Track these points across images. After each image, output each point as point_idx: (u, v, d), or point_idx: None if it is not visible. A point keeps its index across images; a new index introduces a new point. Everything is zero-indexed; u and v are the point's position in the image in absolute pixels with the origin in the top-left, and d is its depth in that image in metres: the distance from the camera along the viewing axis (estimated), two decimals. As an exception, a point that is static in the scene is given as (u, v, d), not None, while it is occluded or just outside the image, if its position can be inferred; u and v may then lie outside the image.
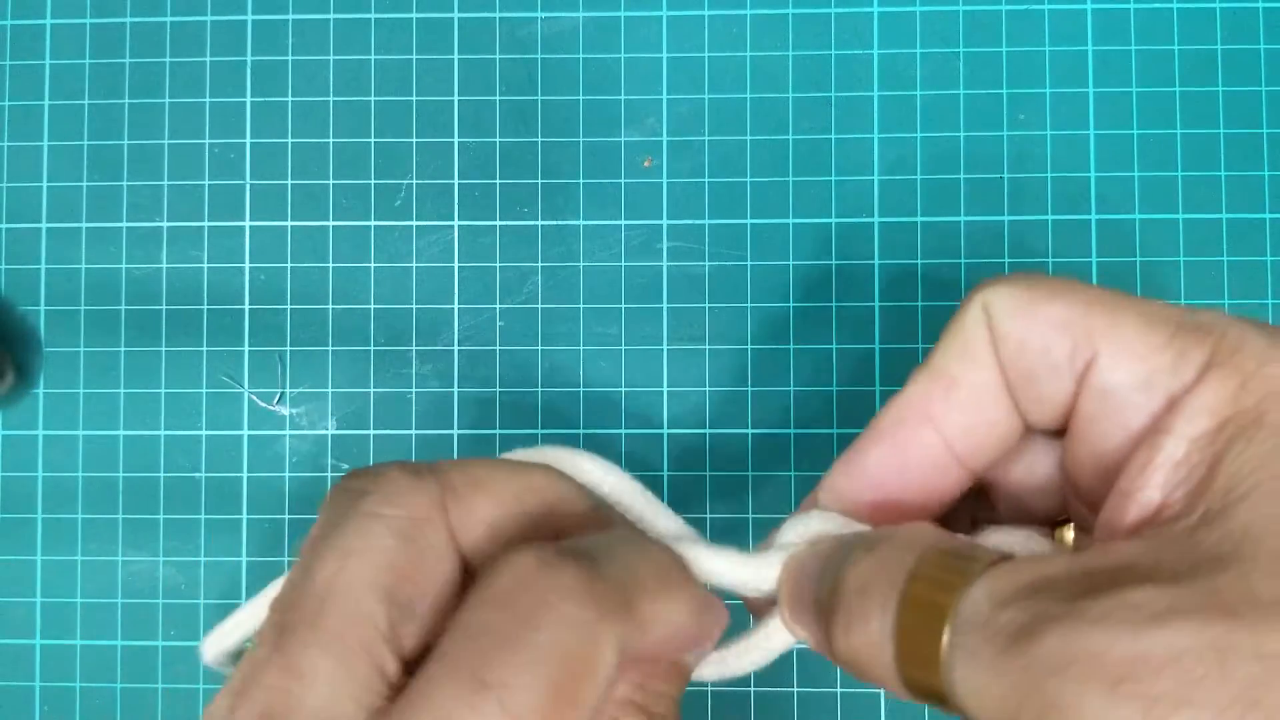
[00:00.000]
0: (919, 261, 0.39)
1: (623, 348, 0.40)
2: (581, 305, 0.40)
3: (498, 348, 0.40)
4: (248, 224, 0.40)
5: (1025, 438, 0.25)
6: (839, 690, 0.38)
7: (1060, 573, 0.20)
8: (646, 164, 0.40)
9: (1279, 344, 0.21)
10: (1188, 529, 0.20)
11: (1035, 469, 0.26)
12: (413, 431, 0.40)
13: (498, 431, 0.40)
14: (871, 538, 0.23)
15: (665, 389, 0.40)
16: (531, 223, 0.40)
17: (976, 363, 0.24)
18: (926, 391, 0.24)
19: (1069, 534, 0.26)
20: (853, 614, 0.22)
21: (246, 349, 0.40)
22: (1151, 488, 0.21)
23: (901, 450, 0.25)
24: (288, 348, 0.40)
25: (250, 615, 0.24)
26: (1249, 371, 0.20)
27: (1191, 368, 0.21)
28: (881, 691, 0.38)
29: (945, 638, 0.20)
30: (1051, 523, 0.26)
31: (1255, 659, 0.18)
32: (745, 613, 0.27)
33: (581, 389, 0.40)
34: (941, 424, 0.24)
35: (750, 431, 0.39)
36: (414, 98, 0.40)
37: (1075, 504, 0.25)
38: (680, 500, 0.39)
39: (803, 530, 0.25)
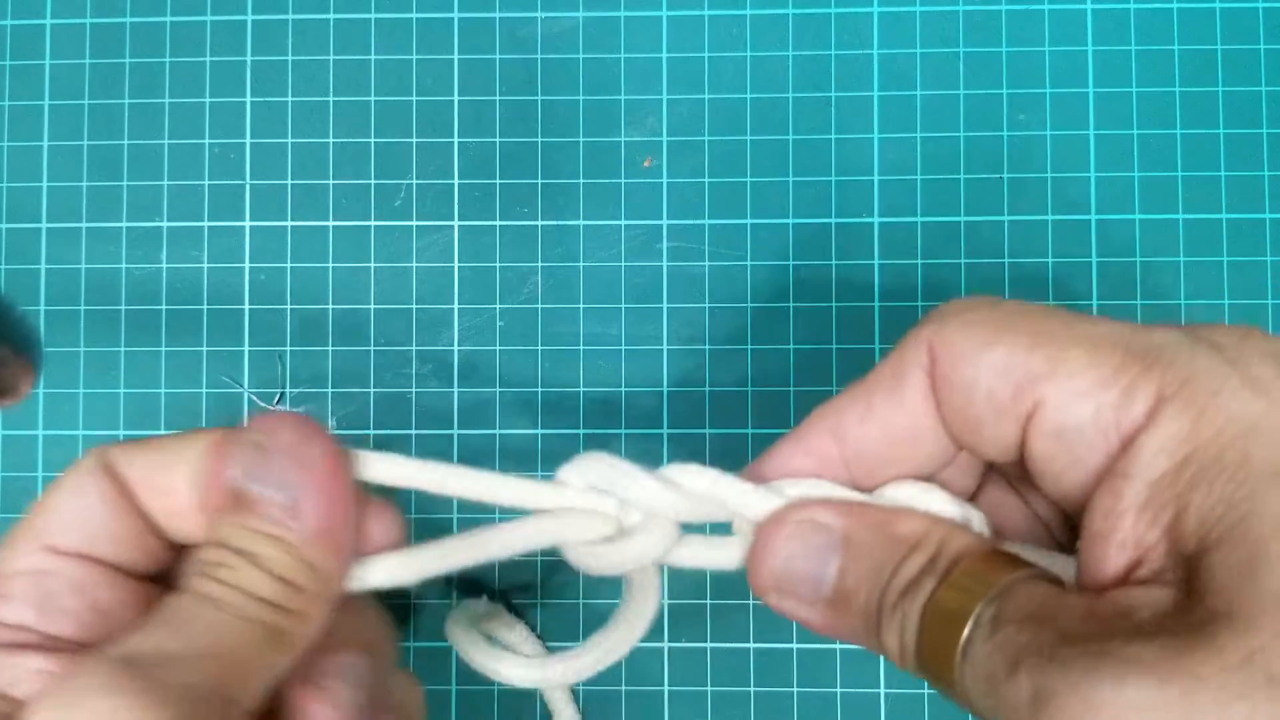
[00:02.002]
0: (919, 261, 0.39)
1: (623, 348, 0.40)
2: (581, 305, 0.40)
3: (498, 348, 0.40)
4: (248, 224, 0.40)
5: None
6: (839, 690, 0.38)
7: (1065, 608, 0.20)
8: (646, 164, 0.40)
9: (1229, 365, 0.20)
10: (1167, 581, 0.20)
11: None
12: (413, 431, 0.40)
13: (498, 431, 0.40)
14: (911, 534, 0.23)
15: (665, 389, 0.40)
16: (531, 223, 0.40)
17: (900, 402, 0.24)
18: (846, 407, 0.25)
19: None
20: (907, 614, 0.22)
21: (246, 349, 0.40)
22: (1122, 531, 0.20)
23: (805, 454, 0.25)
24: (288, 348, 0.40)
25: None
26: (1201, 404, 0.20)
27: (1142, 402, 0.20)
28: (881, 691, 0.38)
29: (959, 649, 0.21)
30: None
31: None
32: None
33: (581, 389, 0.40)
34: (844, 442, 0.25)
35: (750, 431, 0.39)
36: (414, 98, 0.40)
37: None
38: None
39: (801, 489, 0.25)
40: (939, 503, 0.24)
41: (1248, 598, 0.18)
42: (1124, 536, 0.20)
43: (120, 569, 0.25)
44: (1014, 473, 0.26)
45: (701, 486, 0.25)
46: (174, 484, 0.24)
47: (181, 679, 0.20)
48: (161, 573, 0.26)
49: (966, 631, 0.21)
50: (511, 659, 0.28)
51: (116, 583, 0.24)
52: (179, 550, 0.26)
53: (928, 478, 0.25)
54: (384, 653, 0.26)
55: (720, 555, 0.26)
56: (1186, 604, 0.19)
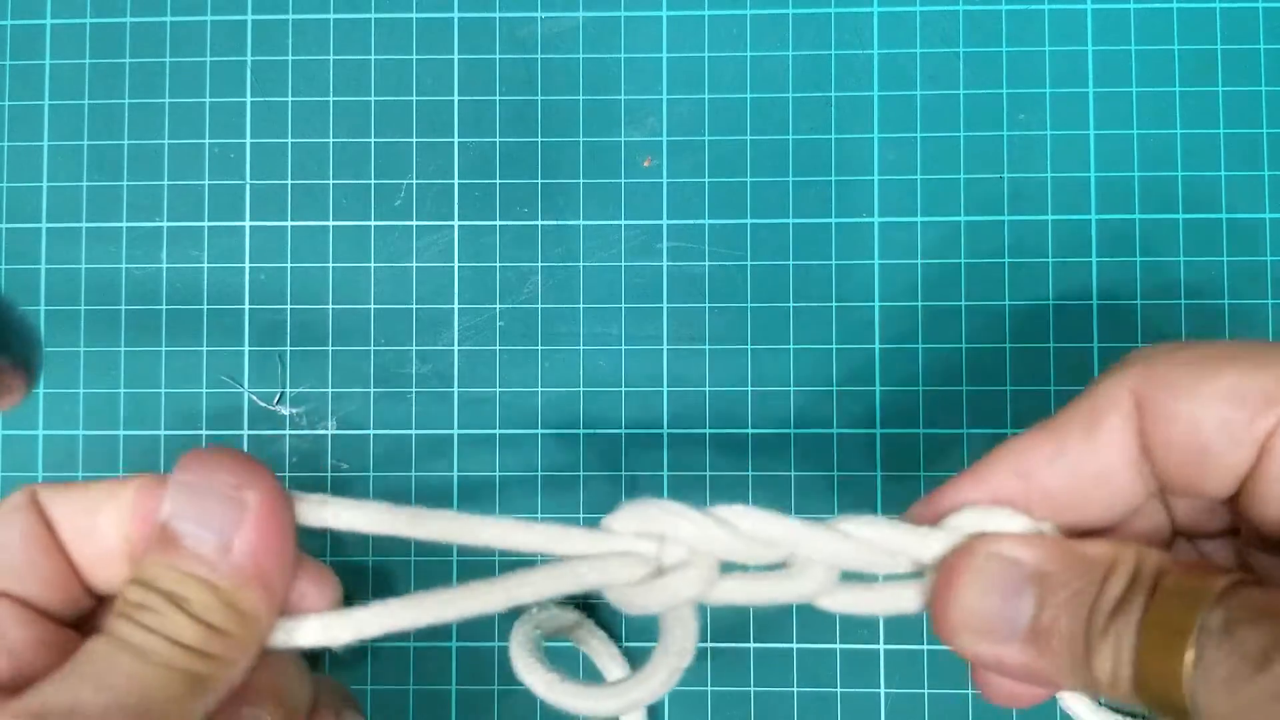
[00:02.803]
0: (919, 261, 0.39)
1: (623, 348, 0.40)
2: (581, 305, 0.40)
3: (498, 348, 0.40)
4: (248, 224, 0.40)
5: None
6: (839, 691, 0.38)
7: None
8: (646, 164, 0.40)
9: None
10: None
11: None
12: (413, 431, 0.40)
13: (498, 431, 0.40)
14: (1093, 557, 0.23)
15: (665, 389, 0.40)
16: (531, 223, 0.40)
17: (1095, 443, 0.24)
18: (1033, 447, 0.24)
19: None
20: (1122, 637, 0.22)
21: (246, 349, 0.40)
22: None
23: (986, 493, 0.25)
24: (288, 348, 0.40)
25: None
26: None
27: None
28: (881, 691, 0.38)
29: (1189, 655, 0.20)
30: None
31: None
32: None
33: (581, 389, 0.40)
34: (1030, 481, 0.24)
35: (750, 431, 0.39)
36: (414, 98, 0.40)
37: (1252, 549, 0.25)
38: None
39: (981, 521, 0.24)
40: (1005, 519, 0.24)
41: None
42: None
43: (38, 610, 0.24)
44: (1204, 517, 0.26)
45: (871, 535, 0.24)
46: (101, 528, 0.24)
47: None
48: (80, 619, 0.25)
49: (1193, 639, 0.20)
50: (555, 683, 0.27)
51: (33, 622, 0.23)
52: (100, 600, 0.25)
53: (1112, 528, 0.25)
54: (299, 703, 0.25)
55: (897, 600, 0.25)
56: None
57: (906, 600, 0.25)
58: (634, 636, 0.39)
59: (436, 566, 0.39)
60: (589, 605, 0.39)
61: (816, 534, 0.24)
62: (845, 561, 0.24)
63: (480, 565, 0.36)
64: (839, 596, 0.25)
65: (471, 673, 0.39)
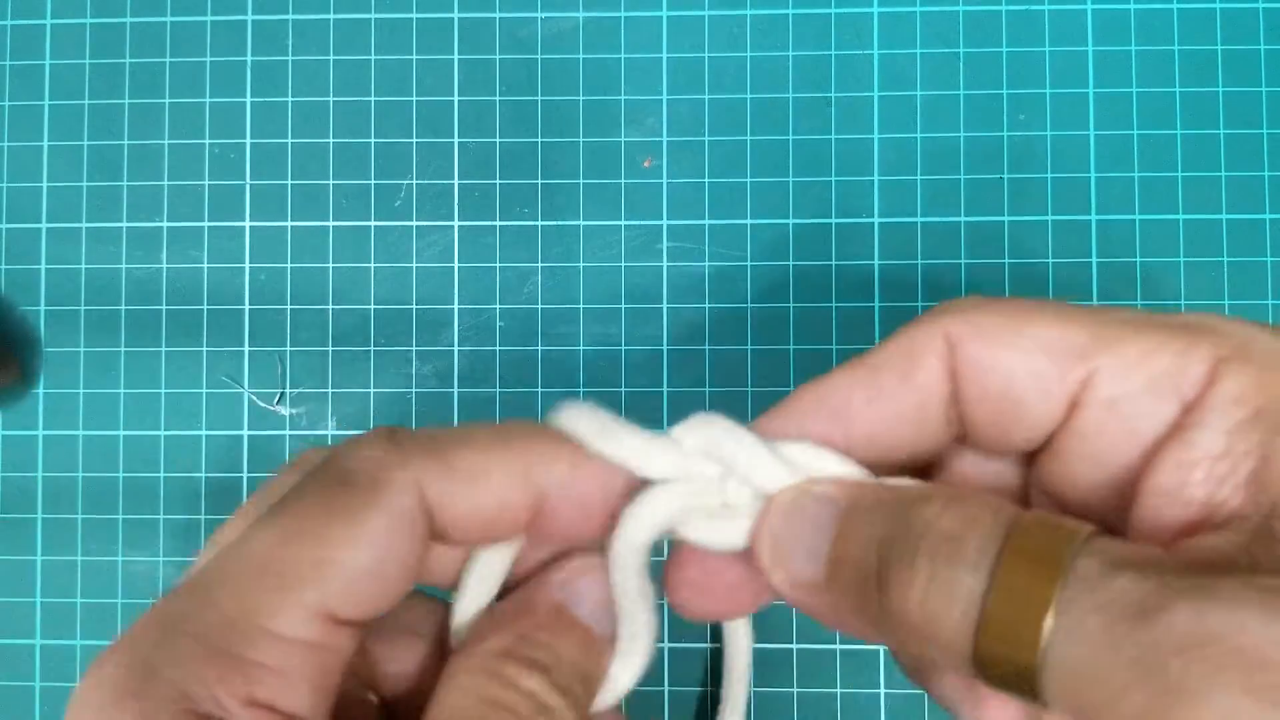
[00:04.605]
0: (919, 262, 0.39)
1: (623, 348, 0.40)
2: (581, 305, 0.40)
3: (498, 348, 0.40)
4: (248, 224, 0.40)
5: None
6: (839, 691, 0.38)
7: (1162, 556, 0.18)
8: (646, 164, 0.40)
9: (1273, 335, 0.20)
10: (1265, 523, 0.19)
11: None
12: (413, 431, 0.40)
13: (498, 431, 0.40)
14: (943, 490, 0.21)
15: (665, 389, 0.40)
16: (531, 223, 0.40)
17: (912, 387, 0.23)
18: (850, 389, 0.24)
19: None
20: (937, 566, 0.19)
21: (246, 349, 0.40)
22: (1194, 484, 0.20)
23: (798, 430, 0.24)
24: (288, 348, 0.40)
25: None
26: (1259, 364, 0.20)
27: (1199, 364, 0.20)
28: (882, 692, 0.38)
29: (1051, 606, 0.18)
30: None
31: None
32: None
33: (581, 389, 0.40)
34: (850, 423, 0.24)
35: (750, 431, 0.39)
36: (414, 98, 0.40)
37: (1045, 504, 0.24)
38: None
39: (799, 457, 0.23)
40: (845, 468, 0.23)
41: None
42: (1197, 488, 0.20)
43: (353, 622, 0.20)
44: (988, 479, 0.25)
45: (707, 444, 0.23)
46: (480, 511, 0.21)
47: None
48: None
49: (1059, 587, 0.18)
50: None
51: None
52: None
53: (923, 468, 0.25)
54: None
55: (724, 535, 0.24)
56: (1266, 549, 0.18)
57: (735, 533, 0.24)
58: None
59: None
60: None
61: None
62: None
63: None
64: (700, 526, 0.23)
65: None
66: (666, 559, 0.24)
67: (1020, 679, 0.18)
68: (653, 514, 0.23)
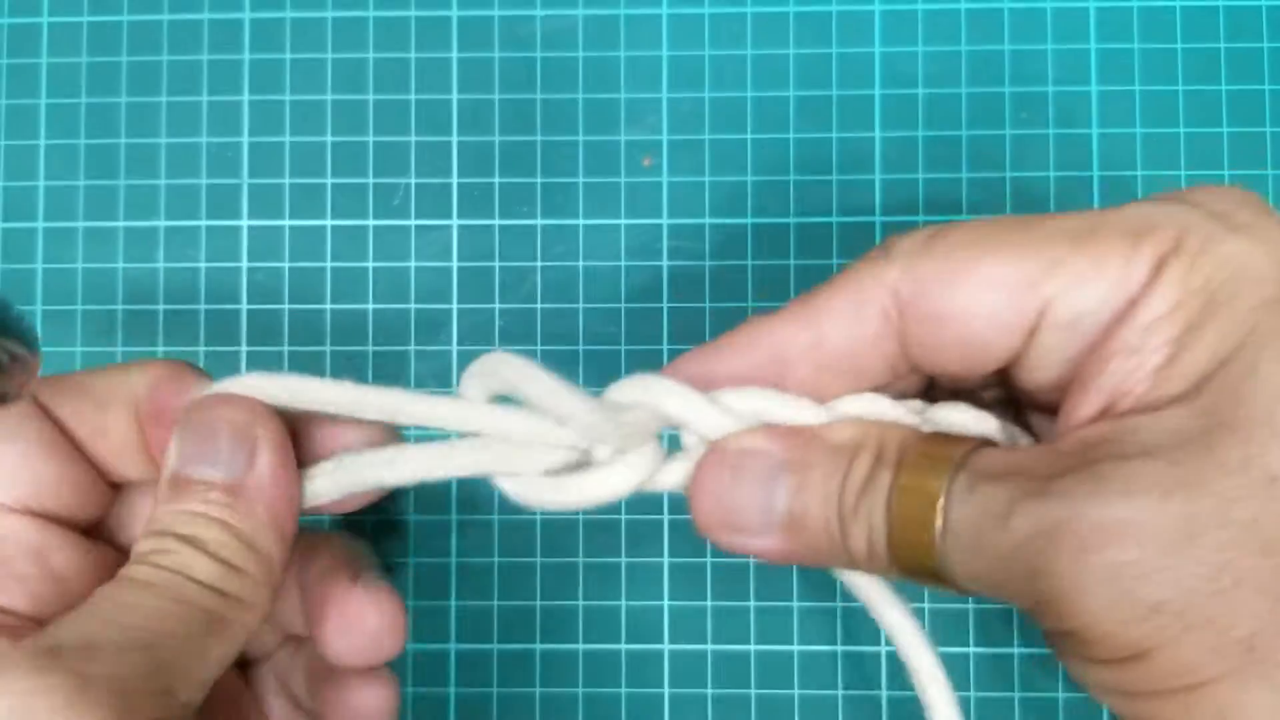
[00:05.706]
0: (920, 261, 0.39)
1: (623, 348, 0.39)
2: (581, 305, 0.40)
3: (497, 347, 0.40)
4: (245, 223, 0.40)
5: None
6: (840, 692, 0.38)
7: (1032, 457, 0.21)
8: (646, 163, 0.40)
9: (1214, 219, 0.21)
10: (1153, 410, 0.20)
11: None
12: (411, 431, 0.40)
13: (497, 432, 0.39)
14: (839, 443, 0.24)
15: (665, 389, 0.39)
16: (531, 222, 0.40)
17: (857, 333, 0.24)
18: (793, 333, 0.24)
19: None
20: (860, 506, 0.22)
21: (244, 349, 0.40)
22: (1108, 375, 0.21)
23: (746, 370, 0.25)
24: (286, 348, 0.40)
25: None
26: (1193, 255, 0.21)
27: (1142, 267, 0.21)
28: (883, 693, 0.38)
29: (937, 523, 0.21)
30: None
31: (1222, 526, 0.18)
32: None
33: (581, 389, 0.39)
34: (789, 366, 0.24)
35: (751, 432, 0.39)
36: (412, 96, 0.40)
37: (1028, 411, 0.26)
38: (681, 499, 0.39)
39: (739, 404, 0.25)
40: (886, 407, 0.24)
41: (1242, 409, 0.19)
42: (1105, 379, 0.21)
43: (66, 522, 0.23)
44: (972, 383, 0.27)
45: (642, 396, 0.25)
46: (112, 423, 0.23)
47: (110, 670, 0.19)
48: (101, 519, 0.25)
49: (940, 504, 0.21)
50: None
51: (68, 544, 0.23)
52: (117, 490, 0.25)
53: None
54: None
55: (666, 477, 0.25)
56: (1179, 430, 0.20)
57: (671, 479, 0.26)
58: (633, 639, 0.38)
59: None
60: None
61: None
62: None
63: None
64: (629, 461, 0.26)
65: (472, 675, 0.39)
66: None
67: (935, 577, 0.22)
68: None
